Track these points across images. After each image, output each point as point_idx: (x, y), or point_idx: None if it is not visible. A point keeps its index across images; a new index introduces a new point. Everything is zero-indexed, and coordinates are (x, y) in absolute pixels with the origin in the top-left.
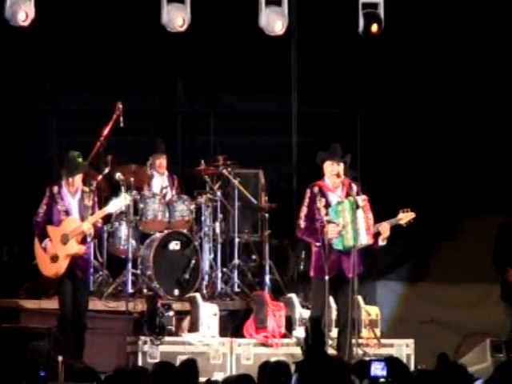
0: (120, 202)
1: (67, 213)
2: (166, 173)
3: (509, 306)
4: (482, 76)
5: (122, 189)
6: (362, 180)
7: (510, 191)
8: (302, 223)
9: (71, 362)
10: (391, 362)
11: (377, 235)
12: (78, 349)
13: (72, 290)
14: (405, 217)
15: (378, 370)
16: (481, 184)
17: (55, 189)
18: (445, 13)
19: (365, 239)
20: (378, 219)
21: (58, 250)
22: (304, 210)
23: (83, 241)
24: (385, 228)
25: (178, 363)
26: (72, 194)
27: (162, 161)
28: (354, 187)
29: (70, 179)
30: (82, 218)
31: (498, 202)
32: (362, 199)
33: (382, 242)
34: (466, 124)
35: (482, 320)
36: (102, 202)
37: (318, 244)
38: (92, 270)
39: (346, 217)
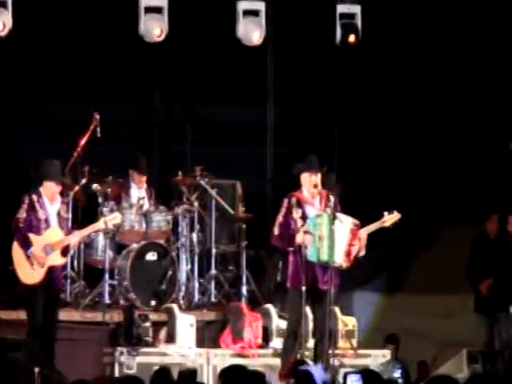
0: (112, 221)
1: (47, 221)
2: (144, 185)
3: (483, 317)
4: (459, 86)
5: (99, 200)
6: (341, 193)
7: (486, 201)
8: (277, 230)
9: (48, 372)
10: (366, 374)
11: None
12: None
13: (44, 301)
14: (389, 218)
15: (353, 381)
16: (458, 194)
17: (34, 197)
18: (421, 24)
19: (340, 259)
20: None
21: None
22: (280, 219)
23: (65, 253)
24: (362, 236)
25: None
26: (51, 202)
27: (142, 178)
28: (332, 199)
29: (54, 185)
30: (61, 229)
31: (475, 211)
32: (353, 223)
33: (360, 253)
34: (442, 134)
35: (459, 330)
36: (81, 213)
37: (291, 249)
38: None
39: (324, 230)
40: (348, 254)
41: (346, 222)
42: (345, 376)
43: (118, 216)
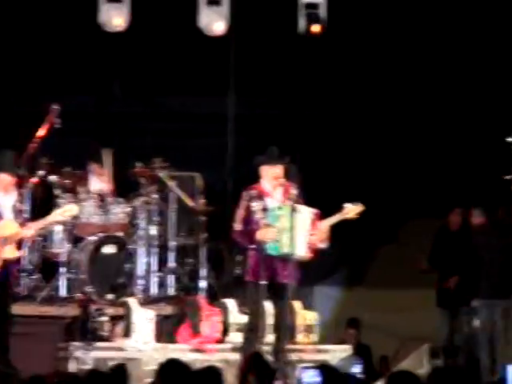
0: (67, 213)
1: (0, 214)
2: (104, 177)
3: (444, 311)
4: (422, 76)
5: (57, 192)
6: (302, 182)
7: (448, 195)
8: (238, 226)
9: (2, 368)
10: (324, 370)
11: None
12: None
13: None
14: (352, 210)
15: (311, 377)
16: (420, 187)
17: None
18: (387, 13)
19: (301, 251)
20: None
21: None
22: (240, 213)
23: (20, 246)
24: (323, 228)
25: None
26: (4, 194)
27: (102, 171)
28: (294, 191)
29: (8, 176)
30: (16, 222)
31: (438, 205)
32: (312, 212)
33: (321, 245)
34: (405, 127)
35: (420, 325)
36: (38, 205)
37: (252, 246)
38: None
39: (284, 222)
40: (309, 244)
41: (305, 213)
42: (302, 372)
43: (74, 208)
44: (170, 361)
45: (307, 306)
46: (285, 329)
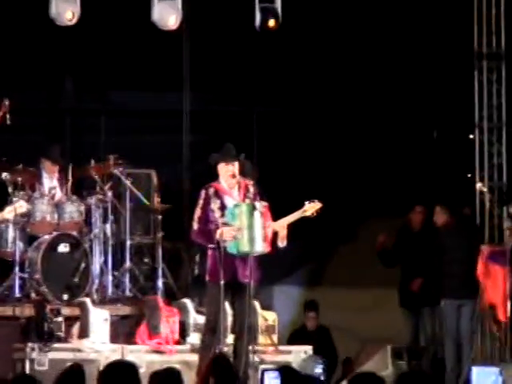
0: (15, 209)
1: None
2: (57, 174)
3: (407, 312)
4: (382, 73)
5: (9, 190)
6: (258, 180)
7: (408, 192)
8: (196, 225)
9: None
10: (285, 371)
11: (275, 236)
12: None
13: None
14: (310, 207)
15: (272, 379)
16: (380, 184)
17: None
18: (345, 9)
19: (260, 247)
20: (275, 220)
21: None
22: (198, 212)
23: None
24: (282, 226)
25: None
26: None
27: (55, 168)
28: (251, 189)
29: None
30: None
31: (398, 203)
32: (261, 205)
33: (281, 244)
34: (364, 123)
35: (383, 326)
36: None
37: (212, 246)
38: None
39: (243, 220)
40: (265, 238)
41: (258, 208)
42: (262, 373)
43: (23, 204)
44: (113, 363)
45: (266, 307)
46: (245, 330)
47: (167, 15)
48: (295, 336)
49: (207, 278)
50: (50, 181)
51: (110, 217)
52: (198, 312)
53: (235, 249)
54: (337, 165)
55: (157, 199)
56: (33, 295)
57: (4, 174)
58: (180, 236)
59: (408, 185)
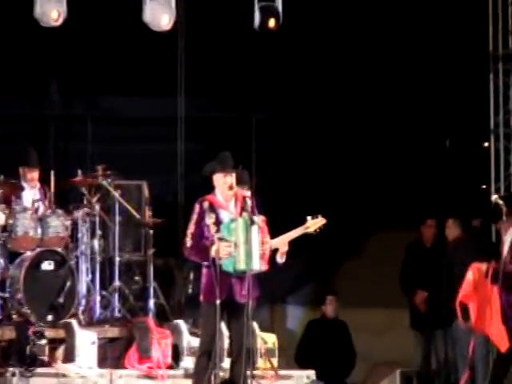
0: None
1: None
2: (38, 185)
3: (418, 334)
4: (391, 80)
5: None
6: (256, 190)
7: (416, 206)
8: (189, 241)
9: None
10: None
11: (274, 252)
12: None
13: None
14: (313, 224)
15: None
16: (389, 196)
17: None
18: (348, 10)
19: (257, 265)
20: (274, 233)
21: None
22: (192, 228)
23: None
24: (283, 243)
25: None
26: None
27: (33, 174)
28: (249, 201)
29: None
30: None
31: (409, 216)
32: (259, 219)
33: (280, 260)
34: (372, 131)
35: (392, 348)
36: None
37: (206, 264)
38: None
39: (240, 236)
40: (263, 255)
41: (256, 222)
42: None
43: (1, 217)
44: None
45: (266, 328)
46: (243, 353)
47: (160, 15)
48: (313, 326)
49: (201, 297)
50: (32, 193)
51: (98, 232)
52: (192, 334)
53: (231, 267)
54: (341, 174)
55: (148, 213)
56: (14, 316)
57: None
58: (173, 253)
59: (418, 196)
